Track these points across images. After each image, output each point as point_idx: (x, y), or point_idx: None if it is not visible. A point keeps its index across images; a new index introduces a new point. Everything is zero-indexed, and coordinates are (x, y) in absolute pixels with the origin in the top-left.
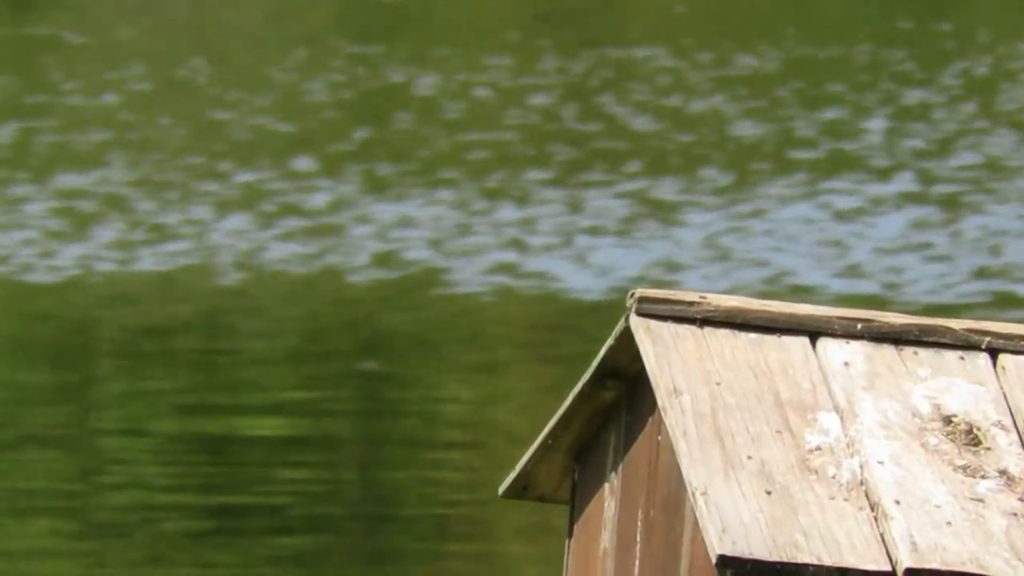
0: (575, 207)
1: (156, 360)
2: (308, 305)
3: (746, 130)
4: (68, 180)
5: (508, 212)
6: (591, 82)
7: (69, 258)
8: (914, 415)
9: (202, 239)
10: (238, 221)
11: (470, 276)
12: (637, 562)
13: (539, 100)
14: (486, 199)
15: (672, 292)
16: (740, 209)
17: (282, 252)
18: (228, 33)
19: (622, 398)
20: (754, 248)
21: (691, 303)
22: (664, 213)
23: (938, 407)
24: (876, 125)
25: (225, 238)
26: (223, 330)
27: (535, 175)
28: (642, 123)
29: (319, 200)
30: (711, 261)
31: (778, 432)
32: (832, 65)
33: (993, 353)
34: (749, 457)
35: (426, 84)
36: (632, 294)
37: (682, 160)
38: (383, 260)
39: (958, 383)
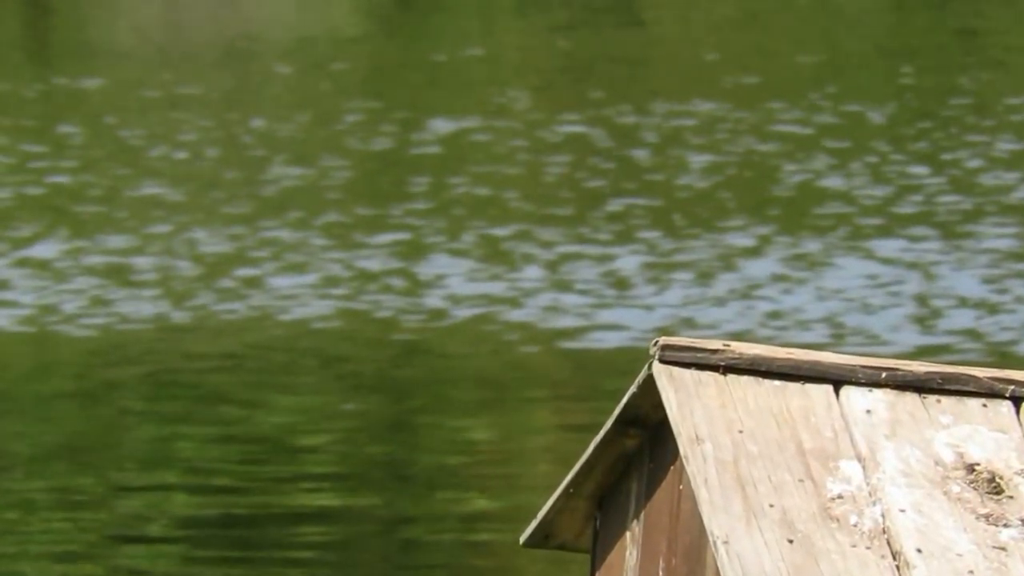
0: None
1: None
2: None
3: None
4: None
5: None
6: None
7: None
8: (936, 463)
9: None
10: (289, 280)
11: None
12: None
13: (570, 155)
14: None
15: (695, 340)
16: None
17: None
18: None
19: (644, 446)
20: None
21: (714, 351)
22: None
23: (961, 455)
24: None
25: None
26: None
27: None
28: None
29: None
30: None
31: (800, 480)
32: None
33: (1016, 401)
34: (771, 505)
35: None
36: (655, 342)
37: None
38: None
39: (981, 431)
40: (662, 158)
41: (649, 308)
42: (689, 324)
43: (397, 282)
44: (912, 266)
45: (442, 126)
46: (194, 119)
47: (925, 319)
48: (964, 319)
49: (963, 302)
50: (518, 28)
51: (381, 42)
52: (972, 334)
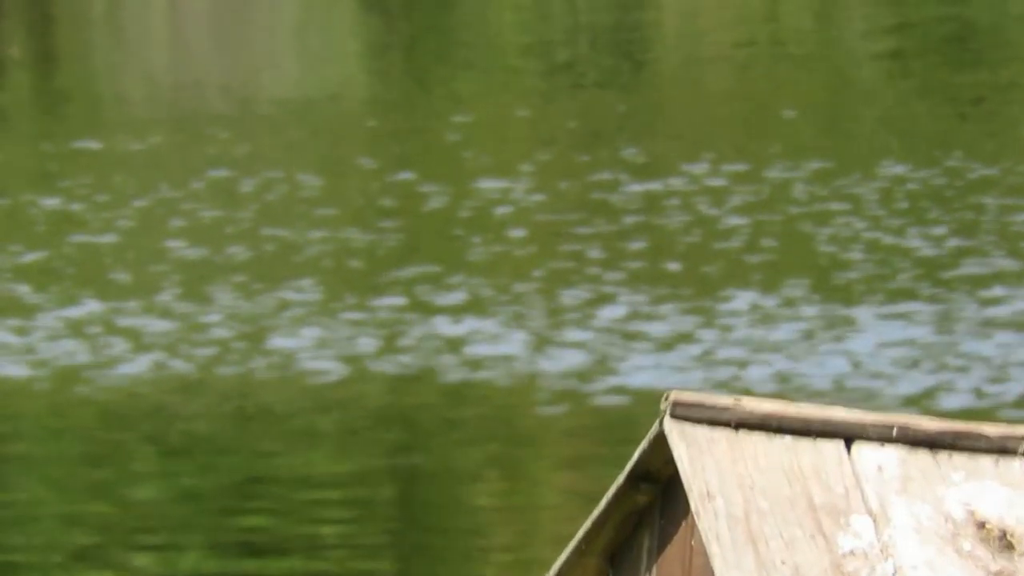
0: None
1: None
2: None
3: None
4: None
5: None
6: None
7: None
8: (947, 519)
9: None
10: (313, 332)
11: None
12: None
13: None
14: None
15: (706, 396)
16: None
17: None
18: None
19: (656, 501)
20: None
21: (725, 407)
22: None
23: (972, 512)
24: None
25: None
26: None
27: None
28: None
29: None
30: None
31: (812, 536)
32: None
33: None
34: (783, 562)
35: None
36: (666, 397)
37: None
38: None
39: (992, 488)
40: (671, 215)
41: (671, 364)
42: (709, 381)
43: (402, 341)
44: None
45: (451, 187)
46: (200, 179)
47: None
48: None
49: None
50: (523, 89)
51: (386, 100)
52: None
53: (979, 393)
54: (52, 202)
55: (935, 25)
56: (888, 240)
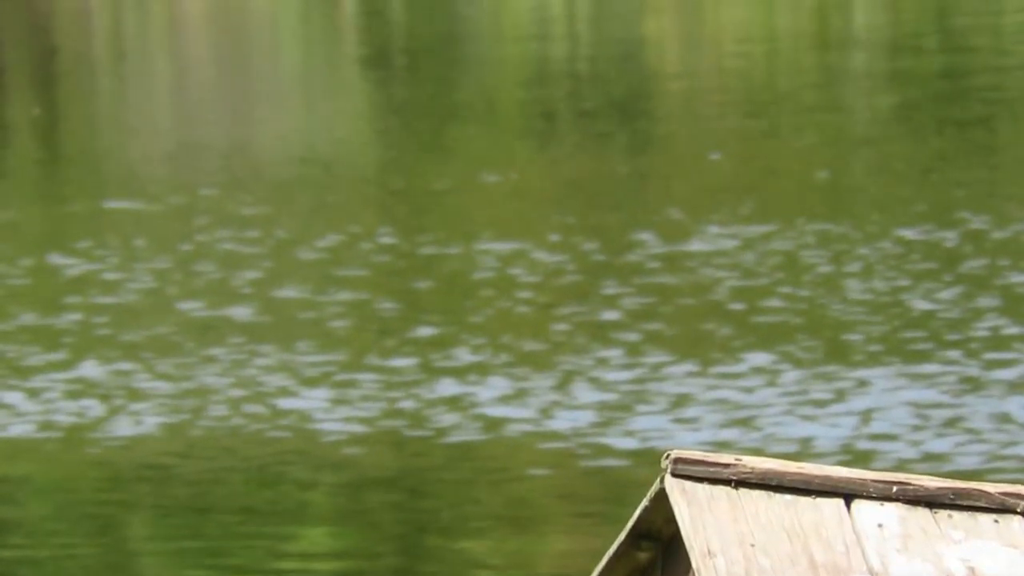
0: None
1: None
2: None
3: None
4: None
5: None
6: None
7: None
8: None
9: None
10: (321, 395)
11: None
12: None
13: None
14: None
15: (707, 454)
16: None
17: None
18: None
19: (657, 559)
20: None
21: (726, 465)
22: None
23: (972, 570)
24: None
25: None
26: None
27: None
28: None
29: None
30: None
31: None
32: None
33: None
34: None
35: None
36: (667, 455)
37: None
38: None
39: (992, 547)
40: (678, 276)
41: (676, 419)
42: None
43: (409, 401)
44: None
45: (457, 247)
46: (205, 239)
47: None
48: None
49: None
50: (529, 150)
51: (393, 162)
52: None
53: (990, 455)
54: (58, 263)
55: (935, 80)
56: (896, 300)
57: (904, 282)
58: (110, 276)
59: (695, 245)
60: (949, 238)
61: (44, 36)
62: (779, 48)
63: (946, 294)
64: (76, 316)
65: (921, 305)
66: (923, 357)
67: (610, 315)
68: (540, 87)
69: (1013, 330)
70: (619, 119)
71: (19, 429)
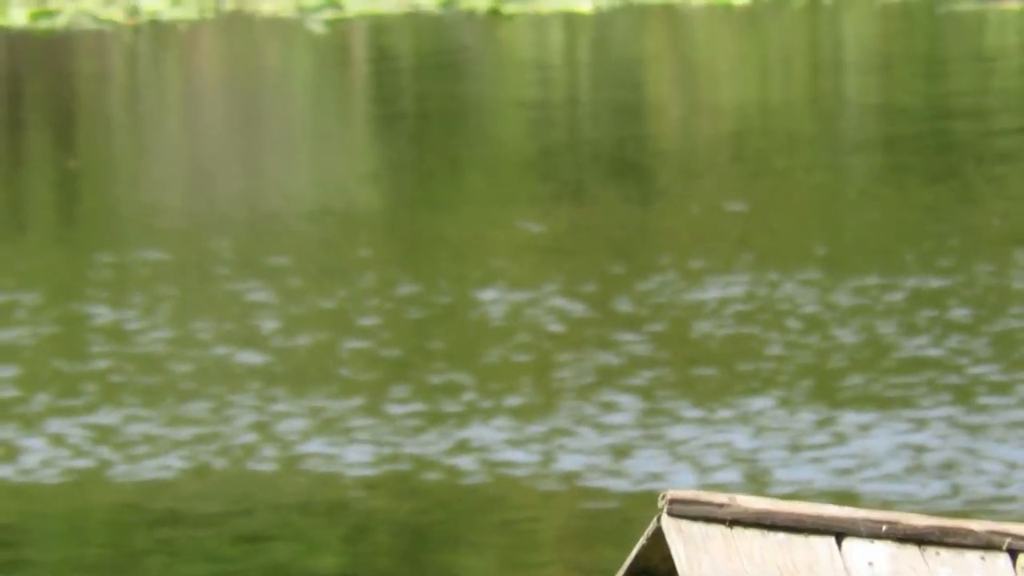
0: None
1: None
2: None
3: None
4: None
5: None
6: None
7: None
8: None
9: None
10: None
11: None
12: None
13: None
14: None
15: (702, 493)
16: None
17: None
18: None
19: None
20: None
21: (721, 504)
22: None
23: None
24: None
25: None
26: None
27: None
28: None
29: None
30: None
31: None
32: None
33: (1013, 554)
34: None
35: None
36: (663, 495)
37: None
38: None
39: None
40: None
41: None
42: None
43: (416, 446)
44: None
45: (467, 298)
46: (218, 288)
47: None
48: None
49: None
50: (530, 199)
51: (404, 218)
52: None
53: (981, 497)
54: (80, 311)
55: (928, 138)
56: (891, 346)
57: (897, 328)
58: (131, 324)
59: (695, 294)
60: (941, 286)
61: (65, 95)
62: (773, 111)
63: (940, 340)
64: (97, 363)
65: (917, 351)
66: (916, 401)
67: (612, 360)
68: (544, 141)
69: (1005, 376)
70: (620, 173)
71: (39, 474)
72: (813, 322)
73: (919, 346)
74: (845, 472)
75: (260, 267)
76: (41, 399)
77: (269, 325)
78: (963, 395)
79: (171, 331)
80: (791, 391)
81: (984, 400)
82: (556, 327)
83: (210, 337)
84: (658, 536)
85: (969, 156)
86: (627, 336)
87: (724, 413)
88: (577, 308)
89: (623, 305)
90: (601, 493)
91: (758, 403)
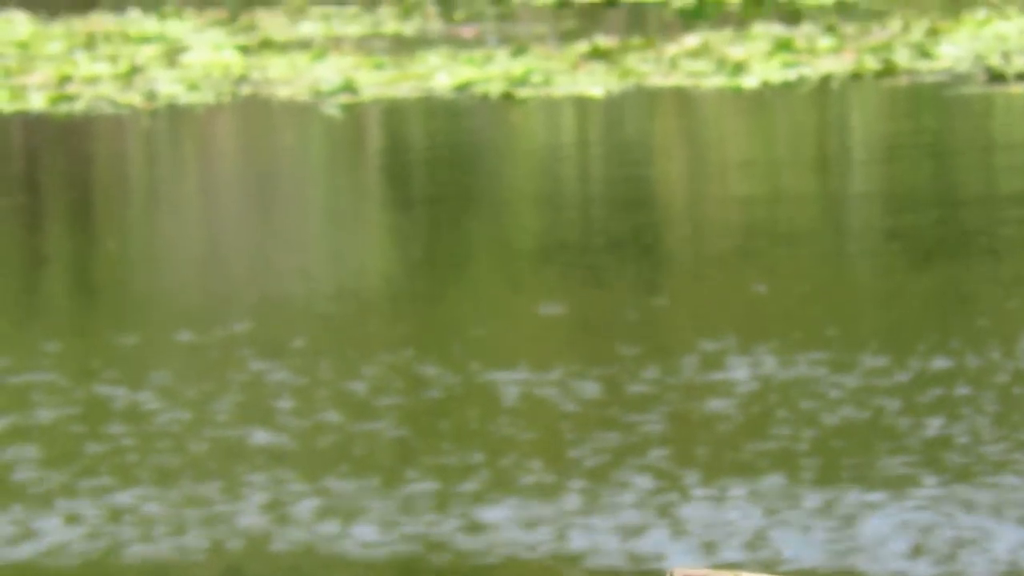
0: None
1: None
2: None
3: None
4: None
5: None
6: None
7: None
8: None
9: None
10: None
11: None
12: None
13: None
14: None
15: (710, 572)
16: None
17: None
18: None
19: None
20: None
21: None
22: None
23: None
24: None
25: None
26: None
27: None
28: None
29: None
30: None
31: None
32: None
33: None
34: None
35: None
36: (670, 573)
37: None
38: None
39: None
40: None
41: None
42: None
43: (424, 526)
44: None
45: (477, 378)
46: (236, 372)
47: None
48: None
49: None
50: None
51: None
52: None
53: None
54: (93, 391)
55: (936, 226)
56: (903, 424)
57: (904, 408)
58: (148, 405)
59: (707, 375)
60: (947, 367)
61: (82, 178)
62: (782, 197)
63: (948, 420)
64: (113, 443)
65: (925, 431)
66: (922, 480)
67: (624, 439)
68: (557, 225)
69: (1011, 456)
70: (632, 258)
71: (54, 555)
72: (822, 402)
73: (926, 426)
74: (851, 551)
75: (275, 348)
76: (57, 478)
77: (284, 405)
78: (969, 474)
79: (187, 412)
80: (799, 470)
81: (991, 479)
82: (569, 407)
83: (226, 417)
84: None
85: (976, 244)
86: (638, 416)
87: (733, 492)
88: (590, 388)
89: (636, 386)
90: (611, 573)
91: (767, 481)
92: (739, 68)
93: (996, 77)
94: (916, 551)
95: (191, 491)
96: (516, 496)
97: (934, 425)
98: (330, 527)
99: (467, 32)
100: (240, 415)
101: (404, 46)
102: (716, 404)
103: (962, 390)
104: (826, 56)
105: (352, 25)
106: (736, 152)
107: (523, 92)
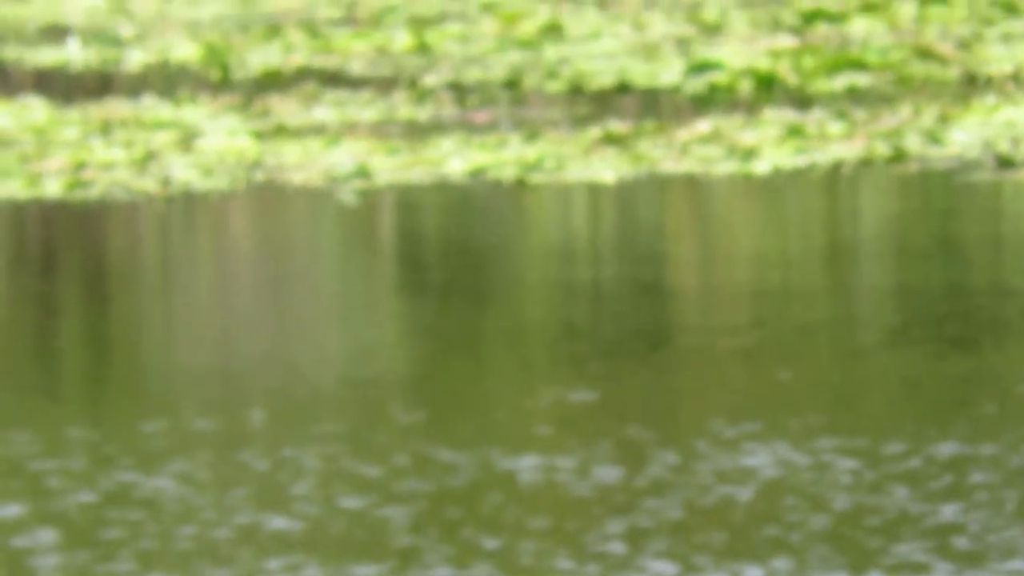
0: None
1: None
2: None
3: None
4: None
5: None
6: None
7: None
8: None
9: None
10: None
11: None
12: None
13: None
14: None
15: None
16: None
17: None
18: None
19: None
20: None
21: None
22: None
23: None
24: None
25: None
26: None
27: None
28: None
29: None
30: None
31: None
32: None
33: None
34: None
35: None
36: None
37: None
38: None
39: None
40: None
41: None
42: None
43: None
44: None
45: (492, 466)
46: (260, 455)
47: None
48: None
49: None
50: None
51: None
52: None
53: None
54: (111, 477)
55: (948, 318)
56: (915, 510)
57: (916, 494)
58: (166, 491)
59: (722, 460)
60: (960, 453)
61: (98, 264)
62: (793, 288)
63: (961, 506)
64: (129, 529)
65: (937, 517)
66: (934, 566)
67: (640, 524)
68: (570, 313)
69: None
70: (644, 346)
71: None
72: (835, 488)
73: (939, 512)
74: None
75: (291, 433)
76: (74, 564)
77: (300, 490)
78: (981, 559)
79: (204, 497)
80: (812, 555)
81: (1003, 566)
82: (585, 492)
83: (242, 503)
84: None
85: (988, 331)
86: (655, 502)
87: (748, 574)
88: (607, 474)
89: (652, 470)
90: None
91: (781, 566)
92: (750, 154)
93: (1005, 163)
94: None
95: (209, 575)
96: None
97: (947, 512)
98: None
99: (480, 117)
100: (256, 500)
101: (418, 131)
102: (732, 490)
103: (976, 476)
104: (837, 142)
105: (366, 110)
106: (748, 239)
107: (536, 177)
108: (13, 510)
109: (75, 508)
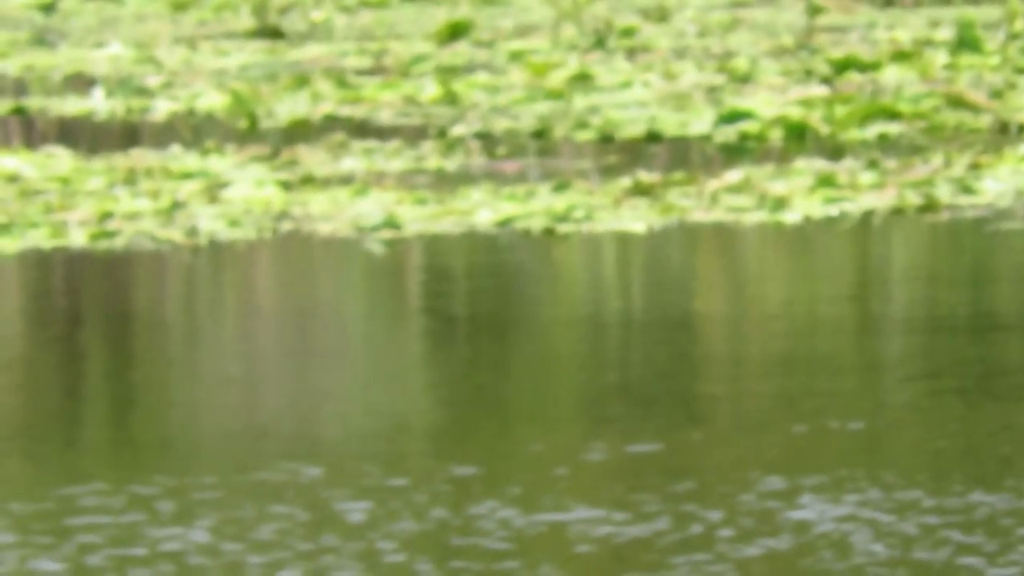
0: None
1: None
2: None
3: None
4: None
5: None
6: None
7: None
8: None
9: None
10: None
11: None
12: None
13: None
14: None
15: None
16: None
17: None
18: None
19: None
20: None
21: None
22: None
23: None
24: None
25: None
26: None
27: None
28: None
29: None
30: None
31: None
32: None
33: None
34: None
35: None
36: None
37: None
38: None
39: None
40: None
41: None
42: None
43: None
44: None
45: (523, 518)
46: (280, 515)
47: None
48: None
49: None
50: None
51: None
52: None
53: None
54: (130, 533)
55: (977, 365)
56: (947, 560)
57: (949, 543)
58: (187, 552)
59: (752, 515)
60: (996, 502)
61: (122, 315)
62: (823, 335)
63: (994, 556)
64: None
65: (972, 569)
66: None
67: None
68: (600, 364)
69: None
70: (675, 398)
71: None
72: (867, 537)
73: (973, 565)
74: None
75: (320, 487)
76: None
77: (330, 543)
78: None
79: (229, 554)
80: None
81: None
82: (612, 546)
83: (267, 559)
84: None
85: (1020, 381)
86: (682, 557)
87: None
88: (640, 530)
89: (684, 524)
90: None
91: None
92: (781, 203)
93: None
94: None
95: None
96: None
97: (975, 563)
98: None
99: (509, 168)
100: (283, 556)
101: (446, 181)
102: (765, 542)
103: (1005, 523)
104: (868, 192)
105: (394, 160)
106: (778, 289)
107: (565, 228)
108: (50, 567)
109: (113, 563)
